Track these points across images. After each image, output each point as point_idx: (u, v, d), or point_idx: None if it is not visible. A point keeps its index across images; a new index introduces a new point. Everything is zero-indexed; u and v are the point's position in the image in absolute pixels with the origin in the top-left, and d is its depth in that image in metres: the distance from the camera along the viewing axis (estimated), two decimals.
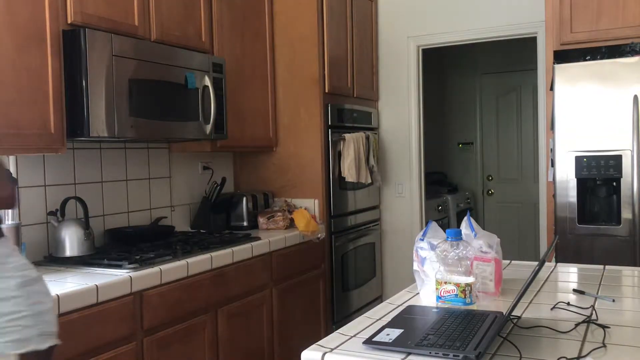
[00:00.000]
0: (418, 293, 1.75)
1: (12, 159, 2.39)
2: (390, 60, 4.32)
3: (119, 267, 2.23)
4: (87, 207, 2.50)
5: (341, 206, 3.73)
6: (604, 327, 1.39)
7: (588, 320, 1.44)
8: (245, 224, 3.39)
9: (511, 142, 6.02)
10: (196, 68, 2.80)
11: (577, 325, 1.42)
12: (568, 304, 1.59)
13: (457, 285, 1.53)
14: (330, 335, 1.41)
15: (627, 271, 2.11)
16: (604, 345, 1.27)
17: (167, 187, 3.23)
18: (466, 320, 1.40)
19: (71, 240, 2.44)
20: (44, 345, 1.35)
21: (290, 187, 3.63)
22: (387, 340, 1.28)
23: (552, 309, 1.56)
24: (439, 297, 1.57)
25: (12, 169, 2.38)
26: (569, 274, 2.08)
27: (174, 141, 3.15)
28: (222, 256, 2.62)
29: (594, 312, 1.50)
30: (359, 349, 1.28)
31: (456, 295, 1.54)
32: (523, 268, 2.11)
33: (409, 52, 4.24)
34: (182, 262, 2.41)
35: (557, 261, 2.73)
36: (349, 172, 3.64)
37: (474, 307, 1.54)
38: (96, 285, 2.02)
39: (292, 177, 3.63)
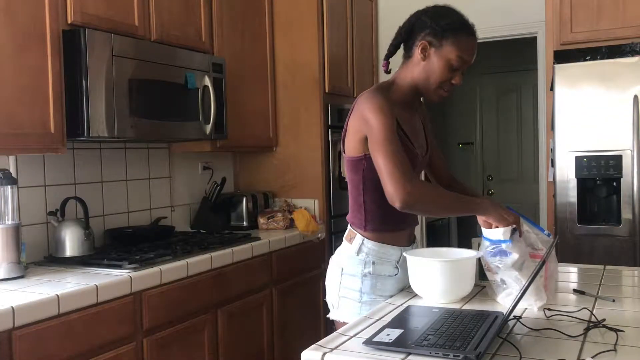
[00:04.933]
0: (416, 295, 1.74)
1: (12, 159, 2.39)
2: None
3: (119, 267, 2.23)
4: (87, 207, 2.50)
5: (341, 206, 3.73)
6: (607, 328, 1.39)
7: (588, 321, 1.44)
8: (245, 224, 3.39)
9: (511, 142, 6.02)
10: (196, 68, 2.79)
11: (586, 329, 1.42)
12: (568, 304, 1.59)
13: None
14: (330, 335, 1.40)
15: (627, 271, 2.11)
16: (614, 348, 1.27)
17: (167, 187, 3.22)
18: (466, 320, 1.40)
19: (71, 240, 2.43)
20: None
21: (290, 187, 3.63)
22: (387, 341, 1.28)
23: (552, 309, 1.56)
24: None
25: (12, 169, 2.38)
26: (569, 274, 2.07)
27: (174, 141, 3.15)
28: (222, 256, 2.62)
29: (594, 312, 1.50)
30: (359, 349, 1.28)
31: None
32: None
33: None
34: (182, 262, 2.41)
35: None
36: None
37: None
38: (96, 286, 2.02)
39: (292, 177, 3.63)
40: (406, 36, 1.82)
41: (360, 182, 1.80)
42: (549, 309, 1.54)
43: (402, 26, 1.84)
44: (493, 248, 1.62)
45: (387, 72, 1.90)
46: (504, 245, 1.61)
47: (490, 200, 1.73)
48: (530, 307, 1.57)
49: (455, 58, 1.72)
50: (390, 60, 1.88)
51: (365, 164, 1.77)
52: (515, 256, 1.58)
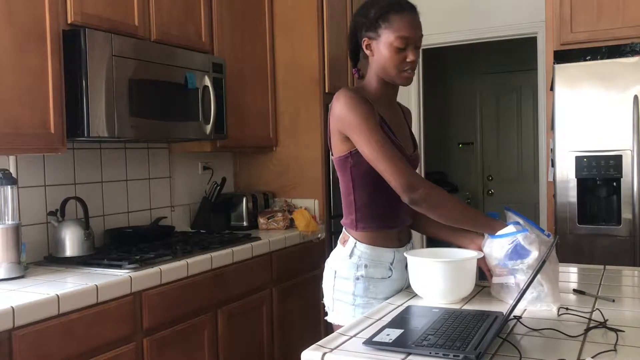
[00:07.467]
0: (416, 295, 1.74)
1: (12, 159, 2.39)
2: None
3: (119, 267, 2.23)
4: (87, 207, 2.50)
5: (341, 206, 3.72)
6: (607, 328, 1.39)
7: (588, 320, 1.44)
8: (245, 224, 3.39)
9: (511, 142, 6.02)
10: (196, 68, 2.79)
11: (586, 329, 1.42)
12: (568, 307, 1.59)
13: None
14: (330, 335, 1.40)
15: (627, 271, 2.11)
16: (614, 349, 1.27)
17: (167, 187, 3.22)
18: (466, 320, 1.40)
19: (71, 240, 2.43)
20: None
21: (290, 187, 3.63)
22: (387, 341, 1.28)
23: (551, 309, 1.56)
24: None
25: (12, 169, 2.38)
26: (569, 274, 2.07)
27: (174, 141, 3.15)
28: (222, 256, 2.62)
29: (593, 312, 1.50)
30: (359, 349, 1.28)
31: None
32: None
33: None
34: (182, 262, 2.41)
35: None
36: None
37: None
38: (96, 286, 2.02)
39: (292, 177, 3.63)
40: (354, 40, 1.84)
41: (349, 180, 1.83)
42: (550, 309, 1.54)
43: (348, 33, 1.88)
44: (510, 243, 1.60)
45: (360, 78, 1.93)
46: (520, 237, 1.59)
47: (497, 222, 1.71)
48: (549, 308, 1.55)
49: (395, 40, 1.72)
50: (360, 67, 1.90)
51: (351, 161, 1.78)
52: (535, 254, 1.57)
